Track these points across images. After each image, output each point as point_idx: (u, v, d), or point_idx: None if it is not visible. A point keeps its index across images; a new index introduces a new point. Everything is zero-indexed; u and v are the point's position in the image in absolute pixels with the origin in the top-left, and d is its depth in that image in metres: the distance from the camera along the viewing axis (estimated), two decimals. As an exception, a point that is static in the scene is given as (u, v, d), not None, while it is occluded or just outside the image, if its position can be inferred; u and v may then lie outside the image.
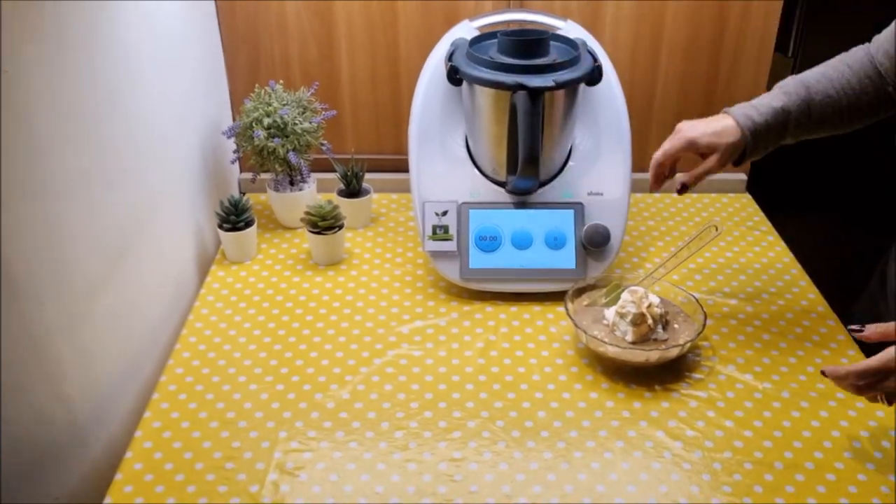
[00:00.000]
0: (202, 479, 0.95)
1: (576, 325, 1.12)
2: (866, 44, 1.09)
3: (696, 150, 1.09)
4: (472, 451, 1.00)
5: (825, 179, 1.75)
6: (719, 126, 1.08)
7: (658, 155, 1.12)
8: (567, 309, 1.14)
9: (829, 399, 1.07)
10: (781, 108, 1.06)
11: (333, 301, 1.27)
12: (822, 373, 0.93)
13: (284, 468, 0.97)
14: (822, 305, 1.26)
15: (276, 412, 1.05)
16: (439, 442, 1.01)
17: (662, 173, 1.13)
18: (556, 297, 1.26)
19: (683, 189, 1.13)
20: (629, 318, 1.11)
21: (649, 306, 1.12)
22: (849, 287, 1.34)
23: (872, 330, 0.91)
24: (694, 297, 1.17)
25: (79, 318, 0.96)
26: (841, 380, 0.91)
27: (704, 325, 1.11)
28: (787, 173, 1.44)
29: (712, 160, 1.09)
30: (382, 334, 1.20)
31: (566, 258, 1.26)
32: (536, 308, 1.25)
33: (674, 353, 1.08)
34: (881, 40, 1.06)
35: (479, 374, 1.12)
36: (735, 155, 1.09)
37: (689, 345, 1.09)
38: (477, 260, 1.26)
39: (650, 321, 1.11)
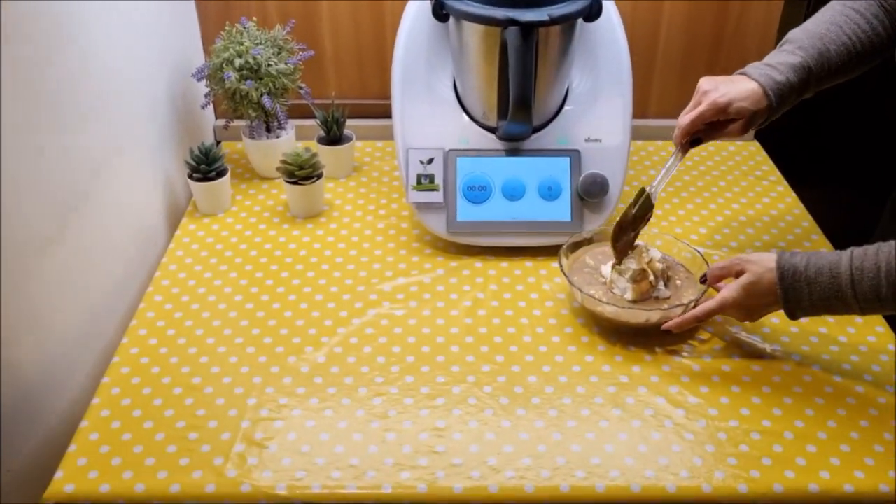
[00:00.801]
0: (162, 450, 0.87)
1: (570, 282, 1.03)
2: None
3: (725, 116, 1.01)
4: (456, 419, 0.92)
5: (835, 125, 1.64)
6: (745, 89, 0.99)
7: (685, 122, 1.02)
8: (561, 265, 1.06)
9: (843, 363, 0.99)
10: (801, 64, 0.99)
11: (311, 256, 1.18)
12: (667, 330, 0.99)
13: (252, 439, 0.89)
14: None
15: (246, 377, 0.97)
16: (421, 409, 0.93)
17: (688, 140, 1.04)
18: (550, 251, 1.17)
19: (695, 143, 1.05)
20: (629, 274, 1.02)
21: (650, 261, 1.04)
22: (864, 238, 1.25)
23: (711, 273, 1.01)
24: (698, 251, 1.08)
25: (27, 277, 0.87)
26: (684, 326, 0.99)
27: (706, 285, 1.03)
28: (797, 120, 1.34)
29: (737, 127, 1.01)
30: (362, 292, 1.11)
31: (561, 210, 1.17)
32: (528, 263, 1.17)
33: (677, 312, 1.00)
34: None
35: (465, 335, 1.04)
36: (759, 120, 1.01)
37: (693, 304, 1.00)
38: (465, 212, 1.17)
39: (651, 278, 1.03)
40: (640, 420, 0.92)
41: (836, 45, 0.99)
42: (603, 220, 1.18)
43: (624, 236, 1.05)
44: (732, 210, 1.29)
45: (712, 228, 1.25)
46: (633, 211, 1.04)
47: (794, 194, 1.34)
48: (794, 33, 1.02)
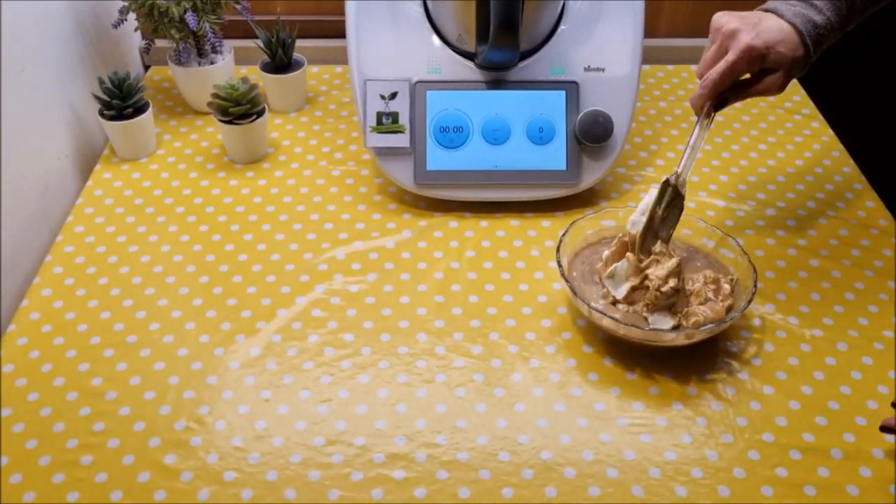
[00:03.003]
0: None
1: (573, 291, 0.80)
2: None
3: (761, 66, 0.77)
4: (424, 431, 0.73)
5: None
6: (778, 32, 0.75)
7: (714, 77, 0.77)
8: (561, 267, 0.82)
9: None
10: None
11: (250, 214, 0.97)
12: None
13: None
14: (884, 218, 0.97)
15: (160, 375, 0.78)
16: (377, 419, 0.74)
17: (713, 103, 0.79)
18: (541, 206, 0.97)
19: (721, 105, 0.80)
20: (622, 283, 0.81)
21: (655, 283, 0.78)
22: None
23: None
24: (738, 243, 0.84)
25: None
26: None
27: (751, 299, 0.78)
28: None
29: (775, 80, 0.77)
30: (310, 260, 0.91)
31: (554, 156, 0.95)
32: (514, 222, 0.96)
33: (701, 335, 0.78)
34: None
35: (434, 318, 0.84)
36: (797, 72, 0.78)
37: (729, 322, 0.78)
38: (436, 159, 0.95)
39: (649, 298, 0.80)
40: (649, 433, 0.73)
41: None
42: (606, 169, 0.96)
43: (652, 243, 0.80)
44: (759, 152, 1.08)
45: (735, 176, 1.04)
46: (660, 211, 0.80)
47: (831, 132, 1.12)
48: None
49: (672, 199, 0.80)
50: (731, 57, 0.75)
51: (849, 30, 0.80)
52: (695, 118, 0.81)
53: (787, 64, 0.76)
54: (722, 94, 0.78)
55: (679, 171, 0.80)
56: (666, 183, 0.80)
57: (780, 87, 0.78)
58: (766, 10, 0.78)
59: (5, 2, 0.88)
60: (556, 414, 0.75)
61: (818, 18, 0.76)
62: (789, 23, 0.76)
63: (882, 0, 0.79)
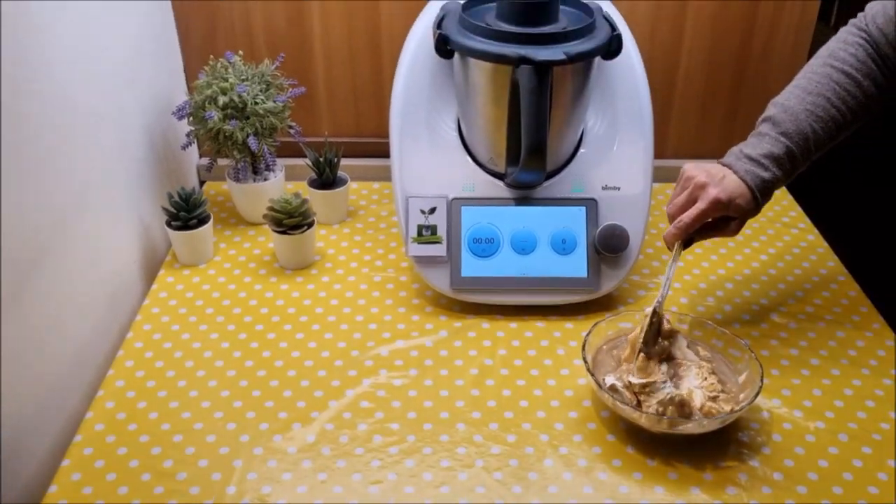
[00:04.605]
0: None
1: (598, 384, 0.89)
2: (853, 28, 0.94)
3: (724, 214, 0.92)
4: (463, 513, 0.81)
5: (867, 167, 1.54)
6: (736, 186, 0.91)
7: (687, 221, 0.92)
8: (586, 363, 0.91)
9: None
10: (785, 154, 0.92)
11: (301, 315, 1.07)
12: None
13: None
14: (877, 321, 1.07)
15: (225, 459, 0.86)
16: (425, 499, 0.82)
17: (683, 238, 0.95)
18: (564, 310, 1.07)
19: (689, 244, 0.96)
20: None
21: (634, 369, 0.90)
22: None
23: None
24: (746, 343, 0.94)
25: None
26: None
27: (759, 392, 0.87)
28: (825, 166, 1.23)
29: (735, 226, 0.94)
30: (357, 357, 1.00)
31: (576, 265, 1.06)
32: (540, 324, 1.06)
33: (714, 424, 0.87)
34: (889, 12, 0.91)
35: (472, 409, 0.93)
36: (749, 218, 0.94)
37: (741, 411, 0.87)
38: (470, 267, 1.06)
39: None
40: (649, 500, 0.81)
41: (824, 122, 0.92)
42: (622, 277, 1.07)
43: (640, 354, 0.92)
44: (761, 262, 1.19)
45: (739, 283, 1.14)
46: (642, 336, 0.92)
47: (825, 244, 1.23)
48: (771, 110, 0.94)
49: (651, 327, 0.92)
50: (701, 206, 0.91)
51: (798, 173, 0.95)
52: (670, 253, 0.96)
53: (743, 213, 0.92)
54: (690, 235, 0.94)
55: (659, 300, 0.93)
56: (654, 313, 0.92)
57: (737, 231, 0.94)
58: (724, 165, 0.93)
59: (95, 124, 1.01)
60: (585, 496, 0.82)
61: (766, 175, 0.91)
62: (742, 179, 0.91)
63: (823, 149, 0.94)
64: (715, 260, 1.19)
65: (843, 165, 1.36)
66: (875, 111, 0.94)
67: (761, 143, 0.93)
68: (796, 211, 1.32)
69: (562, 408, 0.93)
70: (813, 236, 1.25)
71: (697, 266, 1.18)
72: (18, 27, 0.82)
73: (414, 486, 0.83)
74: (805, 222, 1.28)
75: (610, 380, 0.90)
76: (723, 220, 0.94)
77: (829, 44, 0.96)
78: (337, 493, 0.82)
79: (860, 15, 0.95)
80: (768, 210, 1.30)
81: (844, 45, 0.93)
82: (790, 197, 1.35)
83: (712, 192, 0.90)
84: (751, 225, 1.25)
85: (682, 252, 0.95)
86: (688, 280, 1.15)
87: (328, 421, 0.91)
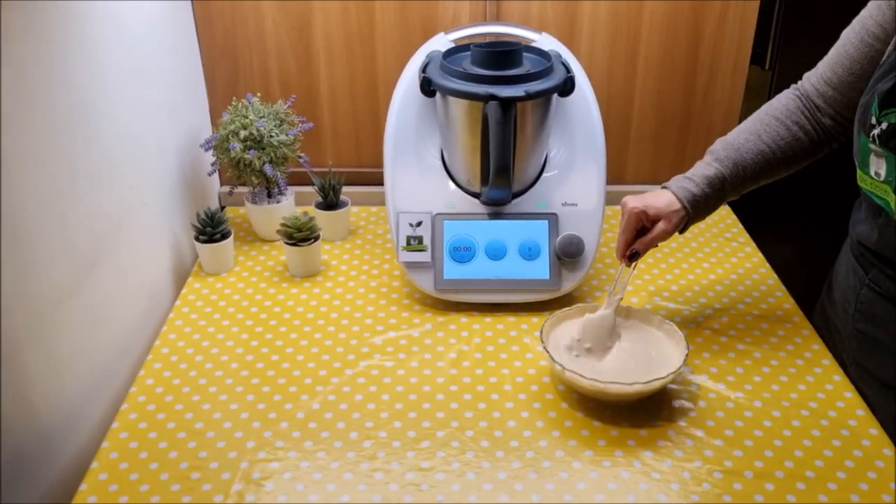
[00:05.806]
0: (167, 489, 0.94)
1: (552, 358, 1.07)
2: (792, 87, 1.15)
3: (646, 220, 1.11)
4: (440, 460, 0.99)
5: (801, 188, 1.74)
6: (663, 199, 1.11)
7: (621, 244, 1.14)
8: (544, 344, 1.09)
9: (801, 408, 1.07)
10: (715, 175, 1.11)
11: (308, 313, 1.27)
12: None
13: (250, 478, 0.96)
14: (792, 307, 1.27)
15: (245, 423, 1.05)
16: (407, 451, 1.00)
17: (629, 254, 1.14)
18: (530, 307, 1.26)
19: (635, 256, 1.14)
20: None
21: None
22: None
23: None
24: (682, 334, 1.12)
25: (46, 327, 0.96)
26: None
27: (686, 357, 1.07)
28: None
29: (660, 227, 1.11)
30: (355, 345, 1.20)
31: (540, 269, 1.26)
32: (510, 318, 1.25)
33: (656, 385, 1.04)
34: (819, 71, 1.12)
35: (450, 384, 1.12)
36: (681, 224, 1.12)
37: (670, 377, 1.05)
38: (451, 271, 1.26)
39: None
40: (610, 461, 0.99)
41: (753, 154, 1.11)
42: (580, 278, 1.26)
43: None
44: (703, 269, 1.38)
45: (683, 286, 1.34)
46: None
47: (760, 255, 1.43)
48: (716, 144, 1.14)
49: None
50: (622, 218, 1.12)
51: (732, 199, 1.14)
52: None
53: (665, 214, 1.10)
54: (632, 248, 1.13)
55: (617, 297, 1.14)
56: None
57: (668, 233, 1.11)
58: (663, 187, 1.13)
59: (141, 153, 1.22)
60: (540, 448, 1.01)
61: (695, 190, 1.11)
62: (671, 191, 1.11)
63: (759, 181, 1.13)
64: (664, 267, 1.38)
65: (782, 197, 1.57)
66: (812, 154, 1.13)
67: (698, 166, 1.14)
68: (738, 227, 1.52)
69: (525, 383, 1.12)
70: (750, 248, 1.45)
71: (649, 272, 1.37)
72: (88, 75, 1.04)
73: (399, 441, 1.02)
74: (744, 237, 1.48)
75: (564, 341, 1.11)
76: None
77: (772, 99, 1.16)
78: (334, 468, 0.99)
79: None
80: (713, 226, 1.50)
81: (781, 98, 1.15)
82: (734, 216, 1.55)
83: (630, 204, 1.11)
84: (697, 238, 1.46)
85: (635, 263, 1.14)
86: (639, 284, 1.34)
87: (330, 392, 1.10)
